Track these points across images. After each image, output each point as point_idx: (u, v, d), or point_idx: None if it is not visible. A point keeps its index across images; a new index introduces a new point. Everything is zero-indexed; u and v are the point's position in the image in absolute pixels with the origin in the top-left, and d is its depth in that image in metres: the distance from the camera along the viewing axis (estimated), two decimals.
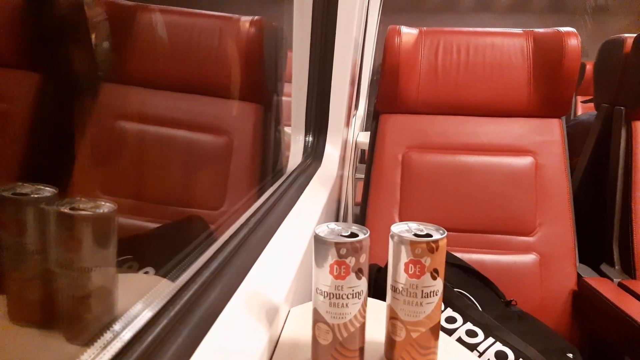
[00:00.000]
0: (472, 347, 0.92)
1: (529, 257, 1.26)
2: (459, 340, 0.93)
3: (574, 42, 1.29)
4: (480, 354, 0.90)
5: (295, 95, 1.33)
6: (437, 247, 0.50)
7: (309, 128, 1.34)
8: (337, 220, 1.53)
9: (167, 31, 1.28)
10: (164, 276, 0.55)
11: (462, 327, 0.95)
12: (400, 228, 0.53)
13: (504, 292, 1.12)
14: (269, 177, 1.33)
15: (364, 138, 2.02)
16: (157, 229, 1.11)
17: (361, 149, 2.44)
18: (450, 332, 0.94)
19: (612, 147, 1.40)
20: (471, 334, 0.94)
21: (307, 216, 0.89)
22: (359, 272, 0.49)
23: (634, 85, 1.36)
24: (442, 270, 0.51)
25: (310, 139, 1.35)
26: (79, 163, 1.12)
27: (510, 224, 1.28)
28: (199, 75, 1.28)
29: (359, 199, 1.51)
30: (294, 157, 1.33)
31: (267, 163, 1.32)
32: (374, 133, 1.42)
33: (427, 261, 0.50)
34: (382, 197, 1.33)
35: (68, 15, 1.11)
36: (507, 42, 1.37)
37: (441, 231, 0.52)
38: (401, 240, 0.50)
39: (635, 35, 1.39)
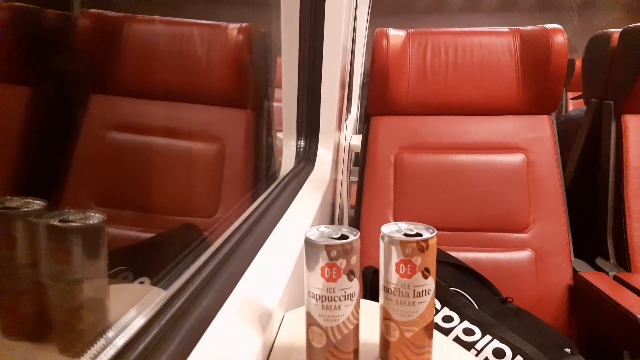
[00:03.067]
0: (469, 346, 0.92)
1: (524, 254, 1.26)
2: (456, 339, 0.93)
3: (560, 39, 1.30)
4: (478, 352, 0.91)
5: (285, 100, 1.33)
6: (427, 246, 0.50)
7: (300, 132, 1.35)
8: (332, 223, 1.53)
9: (156, 40, 1.28)
10: (157, 284, 0.55)
11: (459, 326, 0.95)
12: (390, 228, 0.53)
13: (500, 289, 1.12)
14: (262, 182, 1.33)
15: (357, 141, 2.02)
16: (151, 238, 1.10)
17: (355, 152, 2.44)
18: (447, 332, 0.94)
19: (602, 141, 1.41)
20: (468, 332, 0.94)
21: (300, 220, 0.89)
22: (350, 274, 0.49)
23: (622, 79, 1.37)
24: (433, 269, 0.51)
25: (302, 143, 1.35)
26: (71, 175, 1.12)
27: (504, 221, 1.29)
28: (189, 84, 1.28)
29: (354, 201, 1.51)
30: (287, 161, 1.33)
31: (260, 168, 1.32)
32: (365, 135, 1.42)
33: (417, 260, 0.50)
34: (376, 198, 1.34)
35: (58, 28, 1.11)
36: (494, 41, 1.38)
37: (431, 230, 0.52)
38: (391, 241, 0.50)
39: (621, 29, 1.40)
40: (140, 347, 0.39)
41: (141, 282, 0.74)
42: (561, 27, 1.32)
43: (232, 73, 1.28)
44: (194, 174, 1.28)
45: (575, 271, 1.25)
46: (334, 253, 0.48)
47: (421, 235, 0.51)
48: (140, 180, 1.19)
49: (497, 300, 1.08)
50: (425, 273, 0.50)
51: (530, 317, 1.09)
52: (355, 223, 1.36)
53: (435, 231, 0.52)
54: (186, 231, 1.12)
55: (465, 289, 1.05)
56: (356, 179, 1.48)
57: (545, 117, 1.36)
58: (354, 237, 0.49)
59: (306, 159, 1.33)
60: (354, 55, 2.75)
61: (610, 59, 1.42)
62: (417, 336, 0.52)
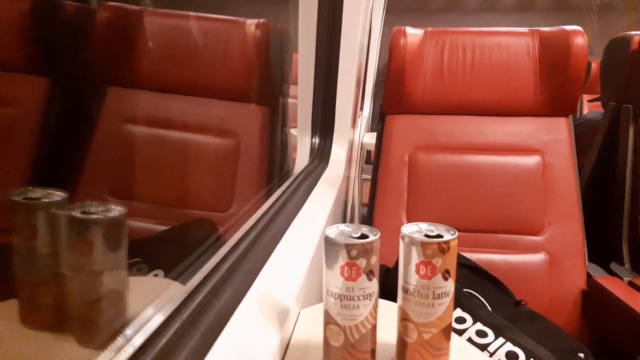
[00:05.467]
0: (482, 348, 0.91)
1: (538, 257, 1.25)
2: (469, 340, 0.93)
3: (580, 41, 1.29)
4: (491, 355, 0.90)
5: (301, 97, 1.33)
6: (449, 248, 0.50)
7: (315, 129, 1.34)
8: (344, 221, 1.53)
9: (174, 35, 1.28)
10: (174, 279, 0.55)
11: (472, 328, 0.95)
12: (410, 229, 0.52)
13: (513, 292, 1.11)
14: (277, 179, 1.33)
15: (370, 139, 2.02)
16: (165, 231, 1.11)
17: (367, 150, 2.44)
18: (460, 333, 0.94)
19: (619, 145, 1.40)
20: (481, 334, 0.93)
21: (316, 217, 0.89)
22: (369, 274, 0.49)
23: None
24: (453, 271, 0.51)
25: (317, 140, 1.35)
26: (88, 167, 1.12)
27: (519, 223, 1.28)
28: (205, 78, 1.28)
29: (365, 199, 1.51)
30: (301, 158, 1.33)
31: (274, 165, 1.32)
32: (380, 134, 1.42)
33: (438, 262, 0.49)
34: (389, 197, 1.33)
35: (75, 21, 1.12)
36: (512, 42, 1.36)
37: (452, 232, 0.52)
38: (412, 241, 0.50)
39: None
40: (161, 343, 0.39)
41: (155, 275, 0.74)
42: (581, 29, 1.31)
43: (248, 68, 1.28)
44: (208, 168, 1.28)
45: (589, 275, 1.24)
46: (354, 252, 0.47)
47: (442, 236, 0.51)
48: (154, 173, 1.20)
49: (510, 303, 1.07)
50: (446, 275, 0.50)
51: (543, 320, 1.08)
52: (367, 221, 1.36)
53: (457, 233, 0.51)
54: (201, 225, 1.12)
55: (479, 291, 1.05)
56: (368, 176, 1.47)
57: (562, 120, 1.35)
58: (374, 236, 0.49)
59: (320, 156, 1.33)
60: (369, 53, 2.74)
61: (629, 63, 1.41)
62: (435, 338, 0.51)
